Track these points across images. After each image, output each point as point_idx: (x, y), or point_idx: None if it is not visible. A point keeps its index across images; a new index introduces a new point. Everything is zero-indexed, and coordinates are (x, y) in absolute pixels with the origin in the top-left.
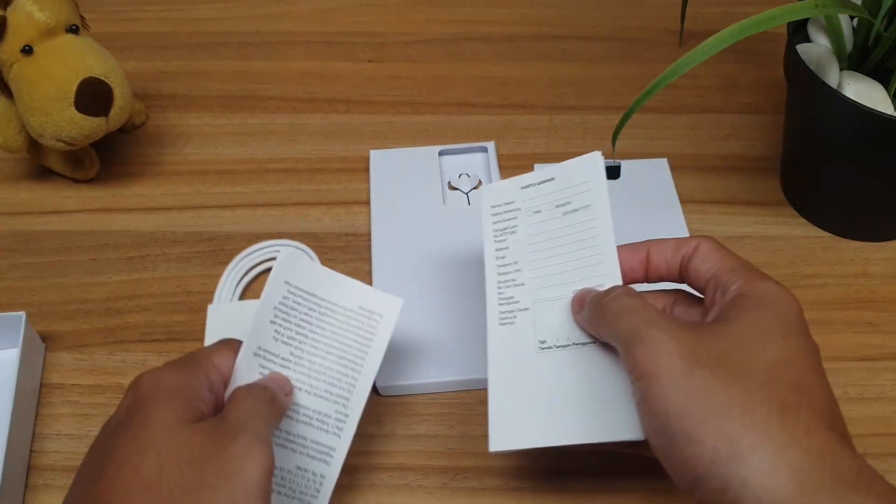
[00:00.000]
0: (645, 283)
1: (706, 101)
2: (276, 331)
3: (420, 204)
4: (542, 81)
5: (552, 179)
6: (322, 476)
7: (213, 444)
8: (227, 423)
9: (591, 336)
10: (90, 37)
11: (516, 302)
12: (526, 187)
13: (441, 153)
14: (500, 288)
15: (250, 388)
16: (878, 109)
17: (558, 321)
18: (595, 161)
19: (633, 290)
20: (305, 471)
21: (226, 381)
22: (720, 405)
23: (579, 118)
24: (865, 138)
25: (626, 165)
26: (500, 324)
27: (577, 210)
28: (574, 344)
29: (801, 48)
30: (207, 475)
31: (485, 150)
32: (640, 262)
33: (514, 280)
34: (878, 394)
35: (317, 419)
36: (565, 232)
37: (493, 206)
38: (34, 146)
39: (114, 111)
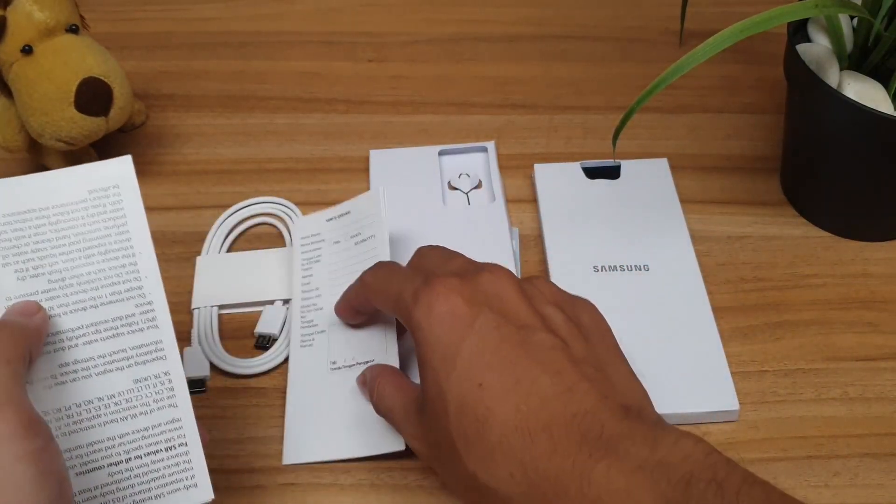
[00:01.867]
0: None
1: (706, 101)
2: (15, 270)
3: (420, 204)
4: (542, 81)
5: (348, 213)
6: (166, 373)
7: None
8: None
9: (373, 356)
10: (90, 37)
11: (315, 325)
12: (329, 220)
13: (441, 153)
14: (302, 312)
15: None
16: (879, 109)
17: (346, 342)
18: (376, 197)
19: (382, 382)
20: (144, 379)
21: None
22: (449, 467)
23: (580, 118)
24: (865, 138)
25: (626, 165)
26: (301, 346)
27: (365, 240)
28: (357, 363)
29: (801, 48)
30: None
31: (485, 149)
32: (356, 304)
33: (314, 304)
34: (878, 394)
35: (122, 325)
36: (358, 259)
37: (302, 238)
38: (34, 146)
39: (113, 111)
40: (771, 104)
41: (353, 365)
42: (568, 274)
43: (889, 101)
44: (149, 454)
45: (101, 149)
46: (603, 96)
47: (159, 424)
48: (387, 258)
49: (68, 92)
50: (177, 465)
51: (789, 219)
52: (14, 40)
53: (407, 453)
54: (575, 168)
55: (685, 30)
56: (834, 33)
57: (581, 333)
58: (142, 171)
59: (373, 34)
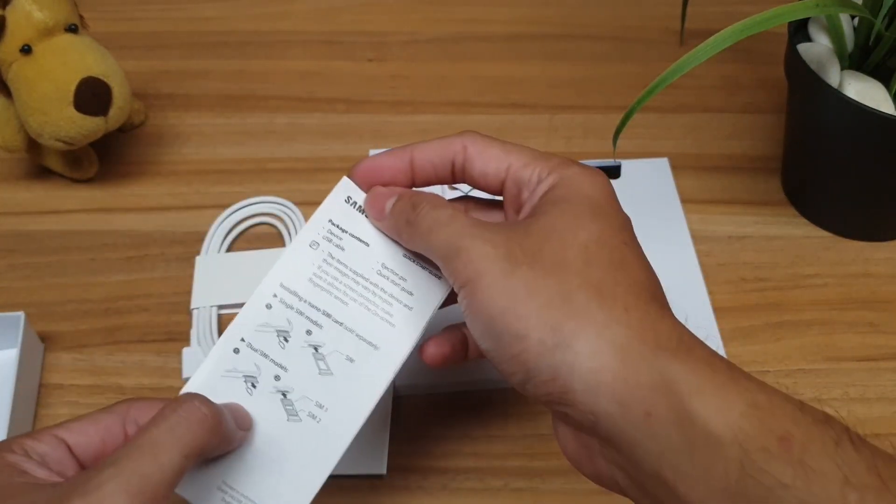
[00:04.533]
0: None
1: (707, 100)
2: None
3: None
4: (542, 81)
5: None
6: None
7: (49, 500)
8: (81, 480)
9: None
10: (89, 36)
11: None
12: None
13: None
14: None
15: (173, 405)
16: (879, 109)
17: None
18: None
19: (438, 198)
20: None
21: (81, 459)
22: (541, 298)
23: (580, 118)
24: (866, 138)
25: (626, 165)
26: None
27: None
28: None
29: (802, 48)
30: None
31: None
32: (404, 168)
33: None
34: (879, 394)
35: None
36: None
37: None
38: (33, 146)
39: (113, 111)
40: (771, 104)
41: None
42: None
43: (890, 100)
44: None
45: (101, 148)
46: (603, 96)
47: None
48: None
49: (67, 92)
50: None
51: (790, 219)
52: (13, 40)
53: (407, 454)
54: None
55: (685, 29)
56: (835, 33)
57: None
58: (141, 171)
59: (373, 34)
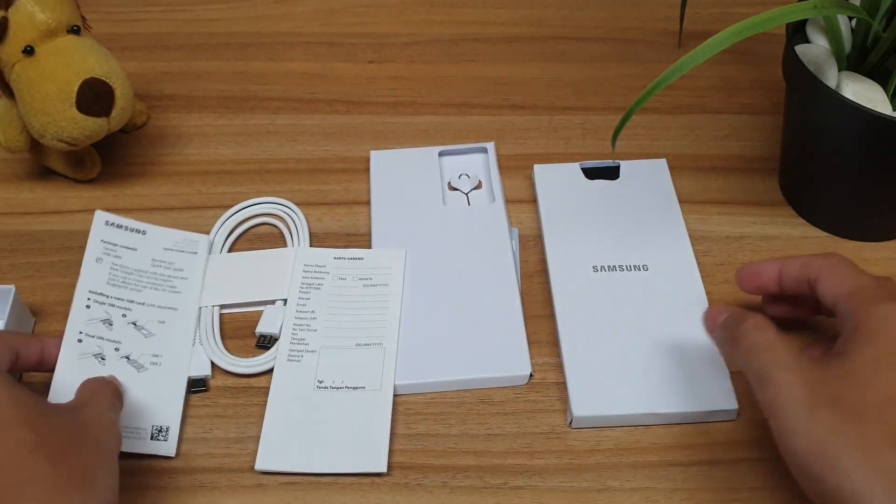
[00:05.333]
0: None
1: (705, 101)
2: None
3: (420, 204)
4: (541, 82)
5: (361, 259)
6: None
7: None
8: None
9: (366, 382)
10: (91, 37)
11: (306, 343)
12: (337, 258)
13: (441, 154)
14: (294, 330)
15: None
16: (877, 110)
17: (337, 365)
18: (400, 256)
19: (763, 321)
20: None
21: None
22: (838, 445)
23: (579, 118)
24: (864, 138)
25: (625, 166)
26: (288, 360)
27: (376, 286)
28: (346, 386)
29: (800, 49)
30: None
31: (485, 150)
32: (773, 277)
33: (308, 325)
34: None
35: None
36: (362, 299)
37: (305, 265)
38: (36, 146)
39: (115, 112)
40: (769, 105)
41: (342, 387)
42: (568, 274)
43: (887, 101)
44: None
45: (103, 149)
46: (602, 97)
47: None
48: (398, 306)
49: (70, 92)
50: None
51: (787, 219)
52: (16, 41)
53: (408, 452)
54: (574, 168)
55: (684, 31)
56: (832, 34)
57: None
58: (143, 171)
59: (373, 35)
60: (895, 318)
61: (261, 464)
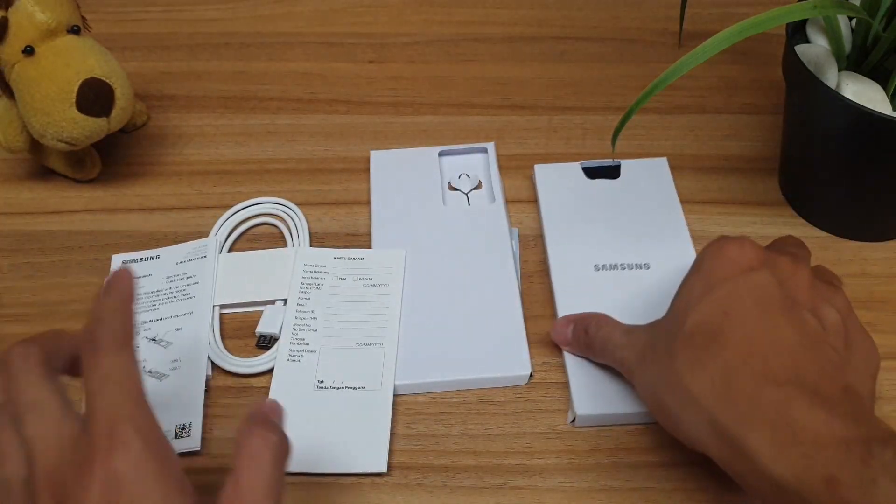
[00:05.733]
0: None
1: (705, 101)
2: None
3: (420, 204)
4: (541, 82)
5: (361, 259)
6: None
7: None
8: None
9: (365, 382)
10: (91, 37)
11: (306, 344)
12: (337, 258)
13: (441, 154)
14: (294, 330)
15: (263, 439)
16: (877, 110)
17: (337, 365)
18: (400, 257)
19: (602, 318)
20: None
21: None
22: (652, 377)
23: (579, 118)
24: (864, 138)
25: (626, 165)
26: (288, 360)
27: (376, 286)
28: (346, 387)
29: (800, 49)
30: None
31: (485, 150)
32: None
33: (308, 325)
34: (878, 393)
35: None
36: (362, 299)
37: (305, 265)
38: (36, 147)
39: (115, 112)
40: (769, 105)
41: (342, 388)
42: (569, 273)
43: (887, 101)
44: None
45: (103, 149)
46: (602, 97)
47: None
48: (398, 308)
49: (70, 92)
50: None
51: (787, 219)
52: (16, 41)
53: (408, 452)
54: (575, 168)
55: (684, 31)
56: (832, 34)
57: (846, 344)
58: (143, 171)
59: (373, 35)
60: (706, 255)
61: None
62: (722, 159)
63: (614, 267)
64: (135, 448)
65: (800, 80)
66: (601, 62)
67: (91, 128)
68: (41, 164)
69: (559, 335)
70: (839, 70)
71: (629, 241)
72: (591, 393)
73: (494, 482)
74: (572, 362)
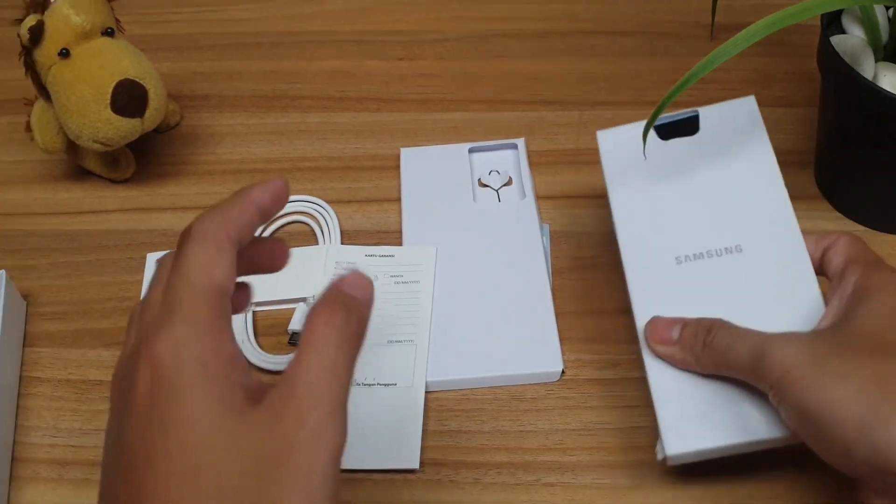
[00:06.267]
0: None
1: (738, 94)
2: None
3: (450, 201)
4: (572, 77)
5: (392, 256)
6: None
7: (274, 442)
8: (292, 403)
9: (397, 379)
10: (125, 39)
11: None
12: (369, 255)
13: (471, 150)
14: None
15: (328, 319)
16: None
17: (369, 362)
18: (431, 253)
19: (726, 321)
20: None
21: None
22: (856, 383)
23: (610, 114)
24: None
25: (704, 114)
26: None
27: (407, 283)
28: (378, 384)
29: (836, 40)
30: (269, 484)
31: (515, 146)
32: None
33: None
34: None
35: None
36: (393, 296)
37: (337, 262)
38: (72, 147)
39: (149, 112)
40: (804, 97)
41: (374, 384)
42: (645, 268)
43: None
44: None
45: (137, 149)
46: (633, 92)
47: None
48: (429, 301)
49: (104, 94)
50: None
51: (823, 213)
52: (52, 44)
53: (440, 448)
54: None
55: (717, 23)
56: (869, 24)
57: None
58: (176, 171)
59: (403, 32)
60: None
61: None
62: None
63: (699, 256)
64: (178, 332)
65: (835, 71)
66: (632, 56)
67: (125, 128)
68: (77, 164)
69: (658, 335)
70: (876, 61)
71: (715, 219)
72: (686, 425)
73: (526, 479)
74: (659, 386)
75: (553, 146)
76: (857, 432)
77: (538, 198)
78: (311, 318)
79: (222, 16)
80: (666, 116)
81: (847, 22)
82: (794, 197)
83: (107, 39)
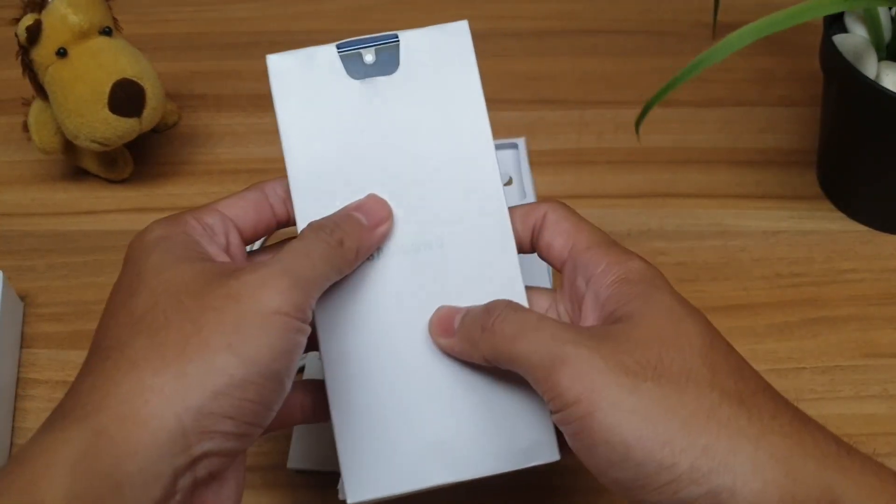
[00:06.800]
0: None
1: (741, 94)
2: None
3: None
4: (572, 76)
5: None
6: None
7: (219, 273)
8: (252, 266)
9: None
10: (123, 38)
11: None
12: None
13: None
14: None
15: (315, 228)
16: None
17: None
18: None
19: (515, 302)
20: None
21: (241, 229)
22: (681, 418)
23: (610, 113)
24: None
25: (406, 43)
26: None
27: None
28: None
29: (838, 39)
30: (210, 299)
31: (515, 146)
32: None
33: None
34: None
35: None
36: None
37: None
38: (69, 147)
39: (146, 112)
40: (806, 97)
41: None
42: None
43: None
44: None
45: (135, 149)
46: (634, 91)
47: None
48: None
49: (102, 93)
50: None
51: (826, 213)
52: (49, 43)
53: None
54: (331, 55)
55: (719, 22)
56: (872, 23)
57: None
58: (175, 171)
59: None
60: (656, 273)
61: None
62: (758, 153)
63: (384, 249)
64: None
65: (838, 70)
66: (633, 55)
67: (123, 128)
68: (74, 164)
69: (443, 324)
70: (878, 60)
71: (409, 199)
72: (367, 470)
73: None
74: (344, 429)
75: (554, 146)
76: (692, 479)
77: (539, 198)
78: (307, 228)
79: (221, 15)
80: (353, 41)
81: (850, 21)
82: (797, 197)
83: (104, 39)
